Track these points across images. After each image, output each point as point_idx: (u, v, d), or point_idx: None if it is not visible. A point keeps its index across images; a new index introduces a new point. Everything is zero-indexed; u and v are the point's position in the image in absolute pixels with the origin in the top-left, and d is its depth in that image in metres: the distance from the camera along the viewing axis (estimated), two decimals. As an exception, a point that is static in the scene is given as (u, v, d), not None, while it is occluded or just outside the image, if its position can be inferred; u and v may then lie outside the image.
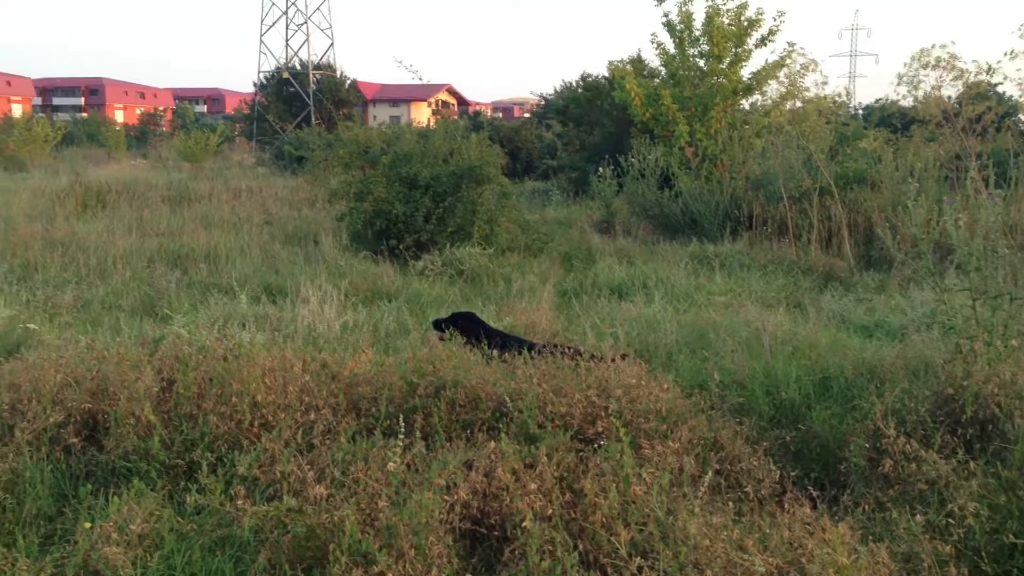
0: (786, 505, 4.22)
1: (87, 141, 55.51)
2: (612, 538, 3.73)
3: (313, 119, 55.71)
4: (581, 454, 4.64)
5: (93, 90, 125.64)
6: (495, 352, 6.40)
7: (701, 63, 19.80)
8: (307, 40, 63.50)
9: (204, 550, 3.97)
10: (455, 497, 4.13)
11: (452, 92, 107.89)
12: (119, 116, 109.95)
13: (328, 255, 13.19)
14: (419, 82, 21.04)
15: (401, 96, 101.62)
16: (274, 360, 5.77)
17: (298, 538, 3.85)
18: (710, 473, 4.17)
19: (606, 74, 26.34)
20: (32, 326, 8.02)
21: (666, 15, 19.78)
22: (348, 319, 8.73)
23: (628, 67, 21.99)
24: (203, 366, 5.68)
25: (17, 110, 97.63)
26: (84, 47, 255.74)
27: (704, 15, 19.33)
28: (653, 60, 23.12)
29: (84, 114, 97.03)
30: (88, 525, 3.90)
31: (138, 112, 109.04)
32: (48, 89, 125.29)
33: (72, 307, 9.54)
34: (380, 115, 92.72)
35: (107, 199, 20.11)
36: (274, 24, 64.59)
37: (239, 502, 4.13)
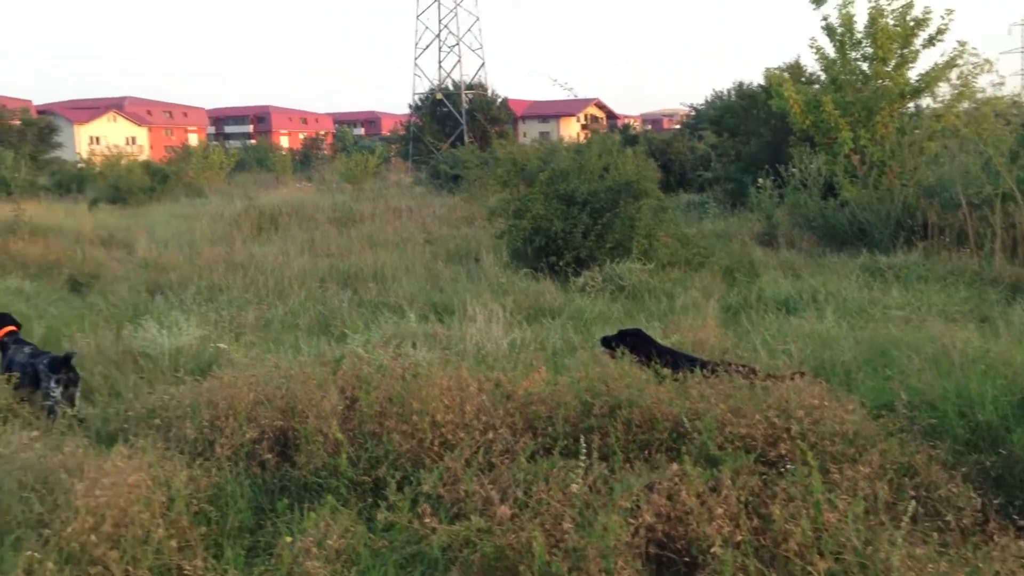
0: (994, 536, 3.98)
1: (256, 166, 58.57)
2: (808, 567, 3.62)
3: (466, 138, 56.89)
4: (765, 477, 4.53)
5: (260, 118, 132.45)
6: (667, 371, 6.34)
7: (864, 66, 19.09)
8: (459, 61, 64.99)
9: (397, 567, 4.09)
10: (640, 520, 4.10)
11: (600, 106, 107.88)
12: (284, 142, 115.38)
13: (489, 273, 13.41)
14: (572, 97, 21.11)
15: (550, 112, 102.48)
16: (450, 379, 5.90)
17: (487, 558, 3.92)
18: (912, 502, 3.98)
19: (761, 82, 25.76)
20: (222, 345, 8.49)
21: (825, 19, 19.20)
22: (515, 337, 8.83)
23: (785, 74, 21.45)
24: (383, 385, 5.88)
25: (193, 139, 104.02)
26: (252, 77, 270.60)
27: (867, 16, 18.64)
28: (812, 66, 22.51)
29: (253, 141, 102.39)
30: (289, 539, 4.09)
31: (301, 137, 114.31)
32: (220, 118, 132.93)
33: (255, 326, 10.05)
34: (530, 131, 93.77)
35: (279, 222, 21.15)
36: (427, 47, 66.50)
37: (427, 520, 4.24)
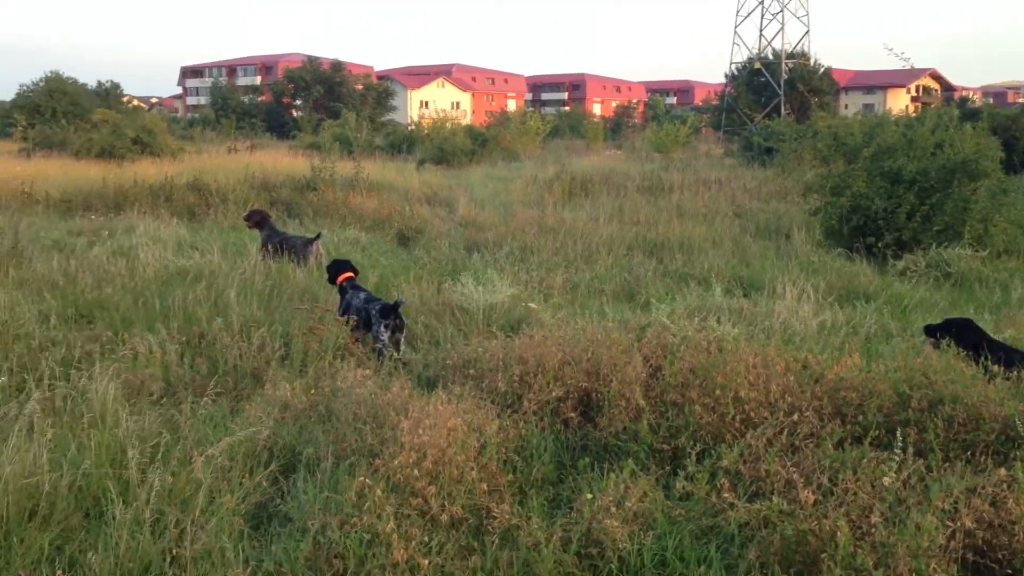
0: None
1: (569, 133, 60.07)
2: None
3: (783, 109, 54.79)
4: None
5: (576, 85, 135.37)
6: (998, 367, 5.81)
7: None
8: (782, 29, 62.46)
9: (693, 536, 4.11)
10: (958, 524, 3.82)
11: (936, 77, 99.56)
12: (596, 109, 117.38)
13: (800, 250, 12.93)
14: (906, 67, 19.60)
15: (877, 83, 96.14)
16: (756, 356, 5.79)
17: (787, 540, 3.83)
18: None
19: None
20: (532, 305, 8.87)
21: None
22: (826, 318, 8.47)
23: None
24: (687, 356, 5.88)
25: (511, 105, 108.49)
26: (569, 45, 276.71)
27: None
28: None
29: (567, 108, 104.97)
30: (589, 496, 4.24)
31: (613, 105, 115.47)
32: (537, 85, 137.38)
33: (562, 289, 10.38)
34: (852, 103, 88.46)
35: (589, 188, 21.61)
36: (749, 15, 64.45)
37: (725, 494, 4.21)
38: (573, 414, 5.65)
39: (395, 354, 7.38)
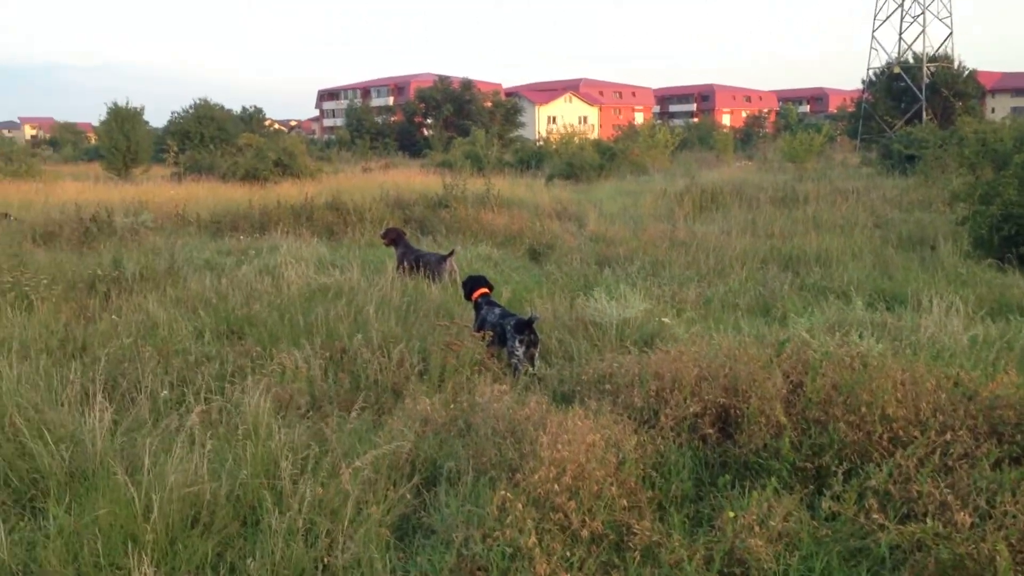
0: None
1: (698, 145, 59.36)
2: None
3: (925, 115, 52.61)
4: None
5: (704, 96, 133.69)
6: None
7: None
8: (923, 31, 60.00)
9: (840, 558, 4.01)
10: None
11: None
12: (726, 120, 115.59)
13: (947, 262, 12.39)
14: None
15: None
16: (903, 372, 5.60)
17: (943, 564, 3.70)
18: None
19: None
20: (666, 320, 8.81)
21: None
22: (977, 333, 8.09)
23: None
24: (829, 372, 5.72)
25: (639, 118, 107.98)
26: (697, 57, 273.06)
27: None
28: None
29: (695, 119, 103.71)
30: (731, 515, 4.18)
31: (743, 115, 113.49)
32: (665, 97, 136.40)
33: (695, 303, 10.27)
34: (1000, 107, 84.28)
35: (720, 200, 21.29)
36: (887, 18, 62.21)
37: (874, 515, 4.10)
38: (711, 430, 5.58)
39: (530, 369, 7.47)
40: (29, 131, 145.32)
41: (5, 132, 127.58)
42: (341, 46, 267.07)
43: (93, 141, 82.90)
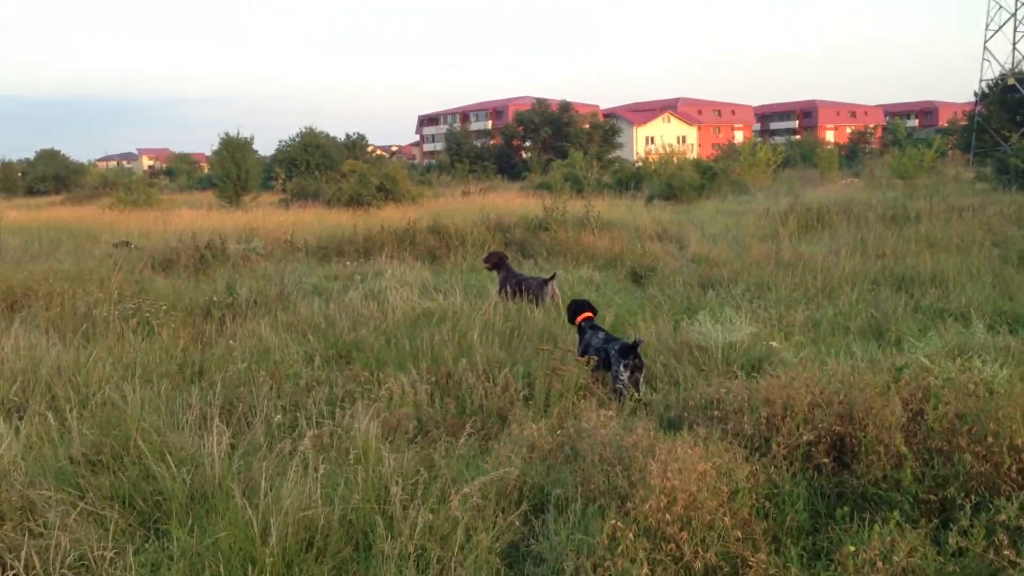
0: None
1: (801, 162, 58.12)
2: None
3: (1043, 126, 50.42)
4: None
5: (807, 113, 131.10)
6: None
7: None
8: (1038, 40, 57.57)
9: (970, 597, 3.83)
10: None
11: None
12: (830, 136, 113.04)
13: (1074, 281, 11.80)
14: None
15: None
16: (1031, 401, 5.34)
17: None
18: None
19: None
20: (774, 343, 8.62)
21: None
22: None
23: None
24: (952, 400, 5.51)
25: (739, 136, 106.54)
26: (799, 72, 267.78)
27: None
28: None
29: (797, 136, 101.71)
30: (851, 549, 4.05)
31: (848, 131, 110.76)
32: (765, 115, 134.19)
33: (803, 326, 10.02)
34: None
35: (826, 219, 20.76)
36: (1000, 28, 59.90)
37: (1005, 552, 3.91)
38: (826, 459, 5.42)
39: (635, 394, 7.40)
40: (147, 162, 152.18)
41: (125, 163, 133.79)
42: (441, 72, 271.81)
43: (206, 170, 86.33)
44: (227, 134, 44.83)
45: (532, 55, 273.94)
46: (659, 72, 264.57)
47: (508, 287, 11.89)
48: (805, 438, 5.48)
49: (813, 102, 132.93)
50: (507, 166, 77.62)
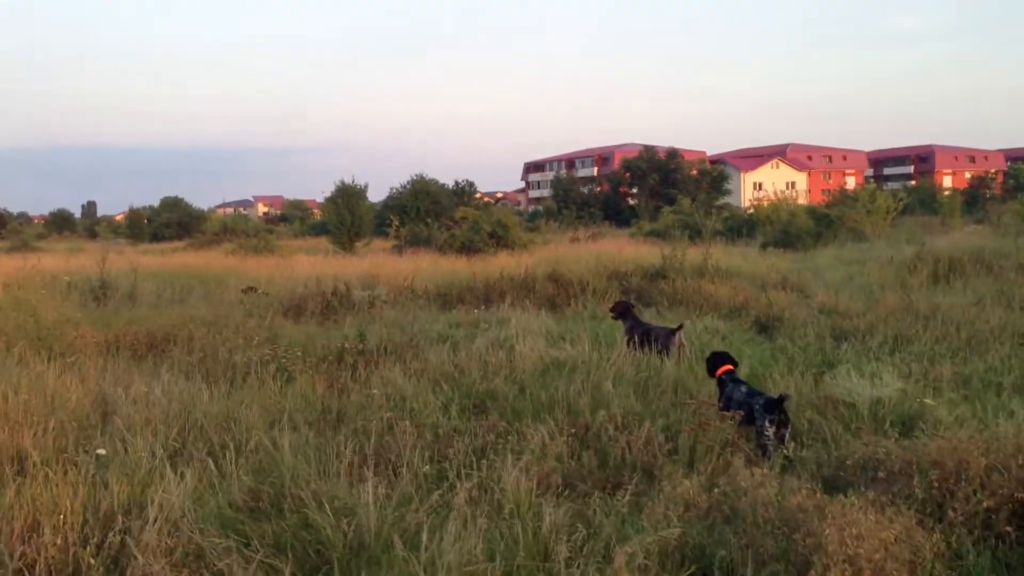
0: None
1: (919, 209, 56.31)
2: None
3: None
4: None
5: (922, 158, 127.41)
6: None
7: None
8: None
9: None
10: None
11: None
12: (947, 182, 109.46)
13: None
14: None
15: None
16: None
17: None
18: None
19: None
20: (928, 401, 8.24)
21: None
22: None
23: None
24: None
25: (850, 182, 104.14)
26: (914, 117, 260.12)
27: None
28: None
29: (913, 182, 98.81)
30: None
31: (967, 176, 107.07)
32: (879, 160, 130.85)
33: (952, 382, 9.56)
34: None
35: (958, 269, 19.94)
36: None
37: None
38: (1009, 528, 5.10)
39: (783, 450, 7.16)
40: (261, 208, 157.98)
41: (241, 210, 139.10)
42: (546, 121, 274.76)
43: (317, 216, 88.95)
44: (342, 182, 46.17)
45: (640, 99, 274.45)
46: (768, 118, 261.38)
47: (635, 336, 11.75)
48: (984, 504, 5.18)
49: (930, 147, 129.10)
50: (613, 212, 77.61)
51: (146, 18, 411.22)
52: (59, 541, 4.80)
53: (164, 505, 5.13)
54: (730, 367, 8.50)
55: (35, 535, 4.95)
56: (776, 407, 7.42)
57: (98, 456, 6.23)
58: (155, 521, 5.00)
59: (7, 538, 4.90)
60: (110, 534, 4.97)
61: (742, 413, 7.54)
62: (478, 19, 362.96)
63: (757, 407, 7.53)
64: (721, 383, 8.36)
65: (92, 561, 4.71)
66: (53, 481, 5.45)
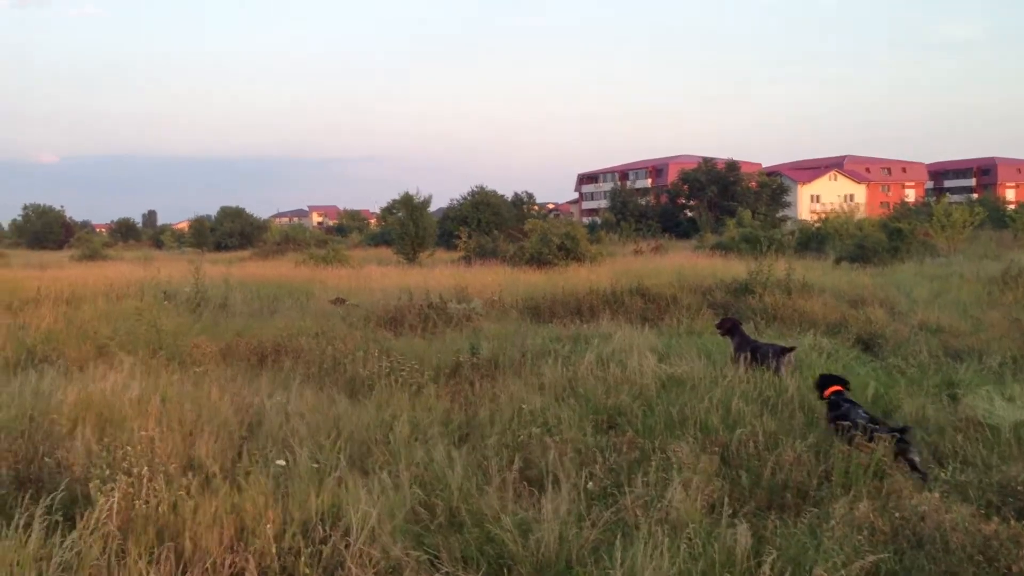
0: None
1: (988, 223, 55.18)
2: None
3: None
4: None
5: (984, 170, 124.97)
6: None
7: None
8: None
9: None
10: None
11: None
12: (1010, 195, 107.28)
13: None
14: None
15: None
16: None
17: None
18: None
19: None
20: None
21: None
22: None
23: None
24: None
25: (910, 195, 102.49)
26: (976, 129, 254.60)
27: None
28: None
29: (975, 195, 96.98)
30: None
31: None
32: (939, 172, 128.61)
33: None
34: None
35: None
36: None
37: None
38: None
39: (917, 473, 7.12)
40: (316, 218, 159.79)
41: (297, 219, 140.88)
42: (599, 132, 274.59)
43: (373, 226, 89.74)
44: (407, 193, 46.50)
45: (692, 111, 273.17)
46: (825, 129, 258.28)
47: (744, 353, 11.67)
48: None
49: (992, 159, 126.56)
50: (671, 224, 77.17)
51: (196, 29, 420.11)
52: (273, 550, 4.90)
53: (366, 516, 5.21)
54: (839, 388, 8.45)
55: (241, 544, 5.07)
56: (901, 433, 7.40)
57: (277, 466, 6.35)
58: (360, 531, 5.09)
59: (215, 547, 5.02)
60: (317, 544, 5.06)
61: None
62: (527, 28, 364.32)
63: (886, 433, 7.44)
64: (833, 404, 8.30)
65: (308, 572, 4.80)
66: (247, 491, 5.58)
